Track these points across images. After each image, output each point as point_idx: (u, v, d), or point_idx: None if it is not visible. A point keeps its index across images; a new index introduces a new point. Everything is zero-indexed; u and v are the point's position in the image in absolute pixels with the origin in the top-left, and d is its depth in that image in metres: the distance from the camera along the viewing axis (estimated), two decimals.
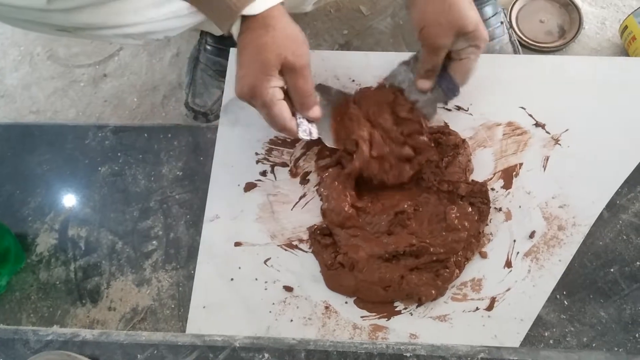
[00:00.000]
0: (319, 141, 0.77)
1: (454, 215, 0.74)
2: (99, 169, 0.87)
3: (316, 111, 0.72)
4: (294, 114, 0.71)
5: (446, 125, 0.81)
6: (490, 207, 0.75)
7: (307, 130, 0.73)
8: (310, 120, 0.73)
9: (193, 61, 1.11)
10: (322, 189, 0.79)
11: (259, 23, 0.65)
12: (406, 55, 0.79)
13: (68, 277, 0.82)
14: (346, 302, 0.75)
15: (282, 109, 0.68)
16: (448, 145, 0.78)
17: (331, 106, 0.79)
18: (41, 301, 0.81)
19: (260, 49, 0.65)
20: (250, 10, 0.64)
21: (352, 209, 0.76)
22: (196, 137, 0.88)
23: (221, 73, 1.06)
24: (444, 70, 0.75)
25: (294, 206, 0.80)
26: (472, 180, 0.77)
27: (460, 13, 0.68)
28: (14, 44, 1.28)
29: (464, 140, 0.79)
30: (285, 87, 0.69)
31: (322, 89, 0.79)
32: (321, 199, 0.79)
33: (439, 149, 0.78)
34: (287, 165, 0.82)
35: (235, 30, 0.68)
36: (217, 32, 1.04)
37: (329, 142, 0.77)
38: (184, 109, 1.09)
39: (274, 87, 0.66)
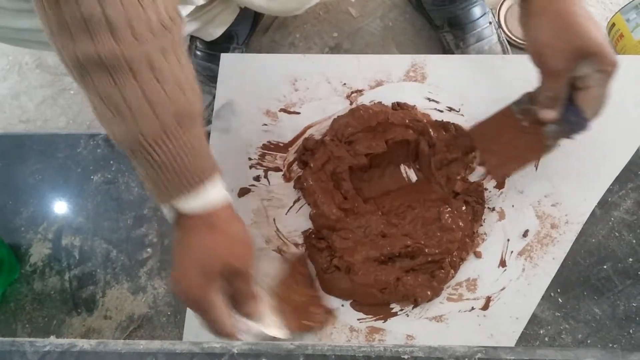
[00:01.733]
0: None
1: (447, 215, 0.74)
2: (92, 177, 0.87)
3: (255, 308, 0.64)
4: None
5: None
6: (484, 207, 0.76)
7: (246, 329, 0.64)
8: None
9: None
10: (307, 196, 0.79)
11: (201, 223, 0.58)
12: (396, 57, 0.80)
13: (63, 286, 0.82)
14: (342, 305, 0.75)
15: (222, 314, 0.59)
16: (462, 143, 0.78)
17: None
18: (36, 311, 0.81)
19: (202, 252, 0.58)
20: (186, 205, 0.56)
21: (340, 211, 0.76)
22: None
23: (212, 79, 1.06)
24: (571, 100, 0.66)
25: (288, 210, 0.80)
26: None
27: (581, 32, 0.60)
28: (2, 53, 1.27)
29: None
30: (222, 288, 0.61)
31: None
32: (309, 204, 0.79)
33: (450, 144, 0.78)
34: (281, 170, 0.82)
35: (166, 212, 0.59)
36: (207, 37, 1.04)
37: (271, 331, 0.69)
38: None
39: (214, 292, 0.58)
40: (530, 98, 0.70)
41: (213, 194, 0.57)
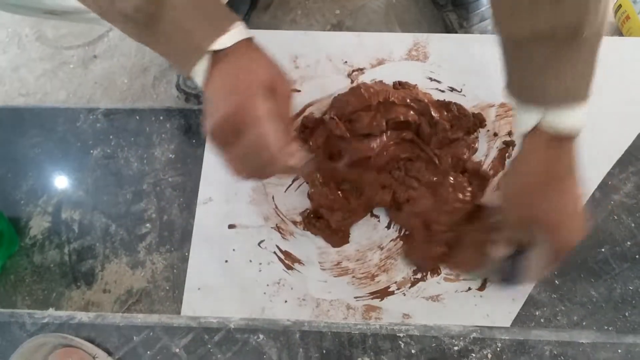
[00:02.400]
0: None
1: (451, 181, 0.74)
2: (91, 151, 0.87)
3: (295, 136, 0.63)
4: None
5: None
6: (482, 195, 0.75)
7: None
8: None
9: None
10: (306, 174, 0.79)
11: (231, 55, 0.55)
12: (399, 36, 0.79)
13: (62, 259, 0.82)
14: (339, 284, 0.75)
15: (275, 127, 0.53)
16: (464, 123, 0.77)
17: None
18: (36, 284, 0.81)
19: (240, 72, 0.54)
20: (218, 44, 0.53)
21: (338, 190, 0.76)
22: (188, 120, 0.87)
23: None
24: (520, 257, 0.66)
25: (287, 188, 0.80)
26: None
27: (539, 202, 0.60)
28: (1, 25, 1.26)
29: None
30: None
31: None
32: (307, 183, 0.79)
33: (452, 124, 0.77)
34: None
35: (200, 70, 0.55)
36: None
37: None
38: (175, 90, 1.08)
39: (263, 102, 0.53)
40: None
41: (242, 31, 0.55)
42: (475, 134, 0.78)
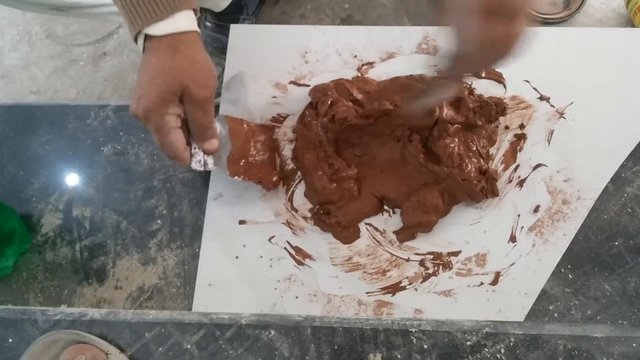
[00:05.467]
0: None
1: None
2: (102, 148, 0.87)
3: (214, 144, 0.69)
4: (189, 143, 0.69)
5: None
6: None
7: (201, 161, 0.70)
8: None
9: None
10: (303, 174, 0.79)
11: (165, 45, 0.60)
12: (408, 29, 0.78)
13: (74, 256, 0.82)
14: (339, 280, 0.75)
15: (176, 138, 0.64)
16: (488, 108, 0.76)
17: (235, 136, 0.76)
18: (48, 281, 0.82)
19: (162, 72, 0.60)
20: (154, 30, 0.59)
21: (333, 183, 0.76)
22: None
23: (221, 50, 1.05)
24: None
25: (297, 183, 0.80)
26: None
27: None
28: (12, 23, 1.27)
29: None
30: (182, 116, 0.65)
31: (222, 120, 0.75)
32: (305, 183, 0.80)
33: (477, 108, 0.76)
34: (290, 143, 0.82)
35: (140, 43, 0.62)
36: (216, 8, 1.03)
37: (225, 174, 0.72)
38: None
39: (171, 115, 0.62)
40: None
41: (182, 22, 0.60)
42: (496, 122, 0.77)
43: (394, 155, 0.76)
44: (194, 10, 0.62)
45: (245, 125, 0.77)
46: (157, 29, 0.59)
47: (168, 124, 0.62)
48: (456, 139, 0.74)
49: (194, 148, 0.69)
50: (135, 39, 0.62)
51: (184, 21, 0.60)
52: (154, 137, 0.64)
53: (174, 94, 0.60)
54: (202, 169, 0.70)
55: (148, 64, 0.60)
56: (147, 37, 0.60)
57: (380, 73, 0.82)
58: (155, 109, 0.61)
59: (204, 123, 0.65)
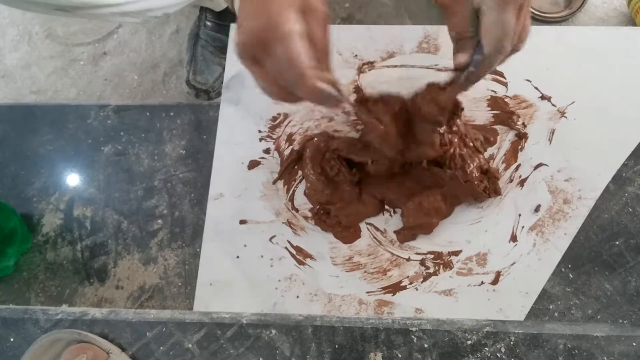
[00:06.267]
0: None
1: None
2: (102, 148, 0.87)
3: (329, 64, 0.55)
4: None
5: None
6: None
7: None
8: None
9: (193, 38, 1.10)
10: (302, 170, 0.79)
11: None
12: (409, 28, 0.78)
13: (75, 256, 0.82)
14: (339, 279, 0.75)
15: (303, 48, 0.49)
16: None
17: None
18: (49, 281, 0.82)
19: None
20: None
21: (331, 183, 0.76)
22: (198, 115, 0.87)
23: (222, 49, 1.05)
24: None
25: (298, 183, 0.80)
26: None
27: None
28: (12, 23, 1.27)
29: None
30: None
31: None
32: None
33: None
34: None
35: None
36: (217, 7, 1.03)
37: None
38: (185, 86, 1.08)
39: (295, 21, 0.49)
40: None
41: None
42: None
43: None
44: None
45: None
46: None
47: (294, 29, 0.50)
48: (455, 139, 0.73)
49: None
50: None
51: None
52: (272, 64, 0.51)
53: (291, 6, 0.50)
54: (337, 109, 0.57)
55: None
56: None
57: (380, 73, 0.82)
58: (277, 15, 0.49)
59: (325, 43, 0.53)
